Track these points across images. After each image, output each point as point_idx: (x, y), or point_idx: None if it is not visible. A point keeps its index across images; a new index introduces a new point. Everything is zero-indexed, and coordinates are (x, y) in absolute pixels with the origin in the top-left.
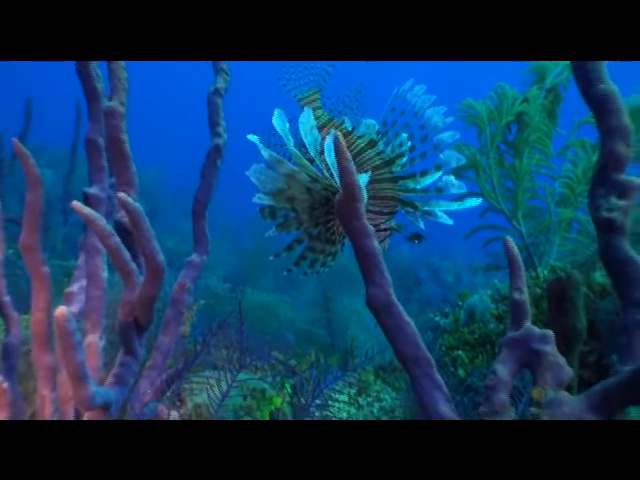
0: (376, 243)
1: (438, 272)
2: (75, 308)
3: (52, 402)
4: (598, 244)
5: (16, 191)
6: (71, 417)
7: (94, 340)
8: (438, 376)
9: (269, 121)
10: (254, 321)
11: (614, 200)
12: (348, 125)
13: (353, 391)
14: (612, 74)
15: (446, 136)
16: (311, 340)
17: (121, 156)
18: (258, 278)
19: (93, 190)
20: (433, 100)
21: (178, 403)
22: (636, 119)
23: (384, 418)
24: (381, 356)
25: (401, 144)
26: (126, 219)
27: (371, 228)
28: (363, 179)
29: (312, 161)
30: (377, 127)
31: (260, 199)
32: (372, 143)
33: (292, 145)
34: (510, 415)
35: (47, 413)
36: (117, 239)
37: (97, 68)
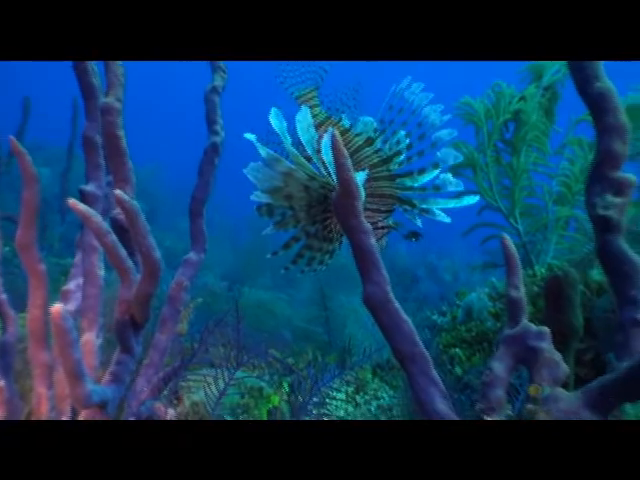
0: (373, 241)
1: (436, 270)
2: (72, 306)
3: (48, 400)
4: (595, 242)
5: (13, 189)
6: (68, 415)
7: (91, 338)
8: (435, 373)
9: (267, 119)
10: (251, 319)
11: (610, 198)
12: (346, 123)
13: (351, 389)
14: (609, 73)
15: (443, 134)
16: (309, 338)
17: (117, 152)
18: (256, 276)
19: (89, 187)
20: (430, 98)
21: (175, 401)
22: (633, 117)
23: (382, 416)
24: (379, 354)
25: (399, 142)
26: (122, 216)
27: (368, 225)
28: (360, 177)
29: (309, 159)
30: (375, 124)
31: (257, 197)
32: (369, 141)
33: (289, 143)
34: (507, 412)
35: (43, 411)
36: (113, 236)
37: (93, 65)
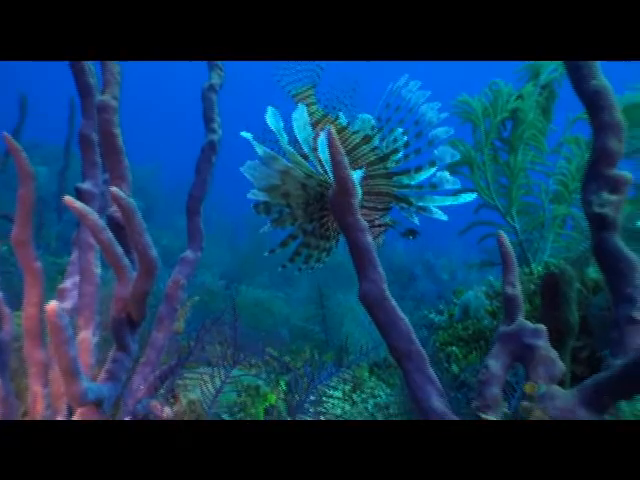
0: (369, 238)
1: (433, 269)
2: (68, 304)
3: (44, 398)
4: (591, 239)
5: (10, 188)
6: (63, 414)
7: (87, 336)
8: (431, 371)
9: (264, 118)
10: (249, 318)
11: (606, 195)
12: (343, 121)
13: (348, 387)
14: (606, 73)
15: (440, 132)
16: (306, 337)
17: (114, 150)
18: (253, 275)
19: (86, 185)
20: (428, 96)
21: (172, 399)
22: (629, 116)
23: (378, 414)
24: (376, 353)
25: (396, 140)
26: (119, 214)
27: (364, 223)
28: (357, 175)
29: (306, 157)
30: (373, 122)
31: (255, 195)
32: (367, 139)
33: (286, 142)
34: (503, 410)
35: (39, 409)
36: (109, 234)
37: (90, 64)
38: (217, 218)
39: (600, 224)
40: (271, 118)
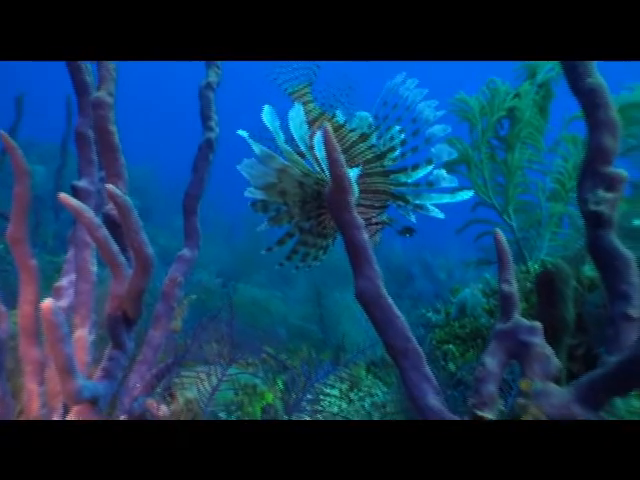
0: (366, 236)
1: (430, 268)
2: (64, 302)
3: (40, 396)
4: (586, 237)
5: (6, 186)
6: (59, 412)
7: (83, 334)
8: (428, 369)
9: (261, 116)
10: (246, 316)
11: (602, 193)
12: (340, 119)
13: (345, 386)
14: (603, 73)
15: (437, 130)
16: (303, 336)
17: (110, 148)
18: (250, 273)
19: (82, 183)
20: (425, 94)
21: (168, 398)
22: (625, 115)
23: (375, 413)
24: (372, 351)
25: (393, 138)
26: (115, 212)
27: (361, 220)
28: (354, 173)
29: (303, 155)
30: (370, 120)
31: (252, 193)
32: (364, 137)
33: (282, 141)
34: (499, 407)
35: (35, 408)
36: (105, 231)
37: (86, 62)
38: (214, 216)
39: (596, 222)
40: (268, 116)
